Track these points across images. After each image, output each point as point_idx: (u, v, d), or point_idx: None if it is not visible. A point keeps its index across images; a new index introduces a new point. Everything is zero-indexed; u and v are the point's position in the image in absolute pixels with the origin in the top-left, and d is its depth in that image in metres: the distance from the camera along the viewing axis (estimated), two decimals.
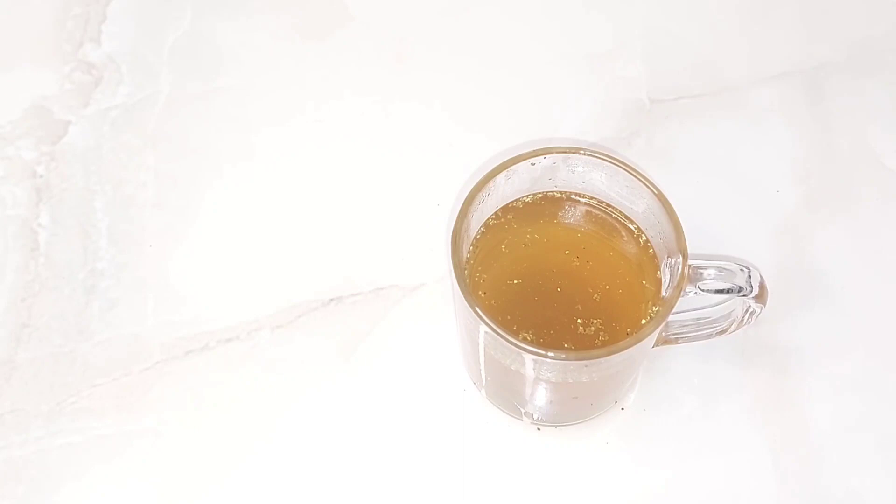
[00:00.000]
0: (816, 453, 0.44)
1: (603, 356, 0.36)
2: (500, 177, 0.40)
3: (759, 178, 0.51)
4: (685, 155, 0.52)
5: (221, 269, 0.49)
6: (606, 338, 0.39)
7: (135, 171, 0.52)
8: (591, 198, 0.43)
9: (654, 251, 0.41)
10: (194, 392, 0.45)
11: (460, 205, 0.39)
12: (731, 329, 0.42)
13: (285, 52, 0.57)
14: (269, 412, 0.45)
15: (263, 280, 0.48)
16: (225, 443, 0.44)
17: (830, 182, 0.51)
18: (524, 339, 0.36)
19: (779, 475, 0.43)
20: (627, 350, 0.36)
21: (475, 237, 0.41)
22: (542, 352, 0.36)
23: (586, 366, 0.37)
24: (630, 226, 0.42)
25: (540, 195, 0.43)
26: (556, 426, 0.44)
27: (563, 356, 0.36)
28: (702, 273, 0.38)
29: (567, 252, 0.42)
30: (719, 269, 0.38)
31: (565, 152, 0.41)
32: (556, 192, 0.43)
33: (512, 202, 0.42)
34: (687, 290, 0.38)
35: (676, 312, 0.41)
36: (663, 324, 0.37)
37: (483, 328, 0.37)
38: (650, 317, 0.39)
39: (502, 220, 0.42)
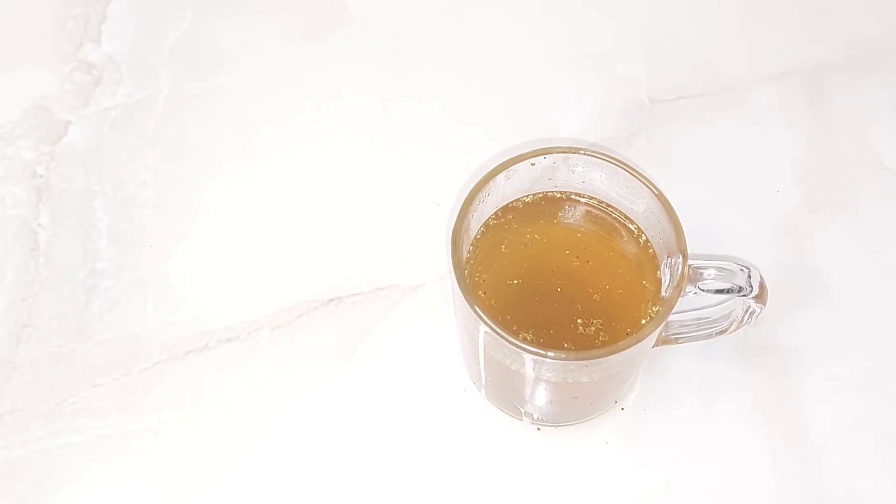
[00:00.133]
0: (816, 453, 0.44)
1: (603, 356, 0.36)
2: (500, 177, 0.40)
3: (759, 178, 0.51)
4: (685, 155, 0.52)
5: (221, 269, 0.49)
6: (606, 338, 0.39)
7: (135, 171, 0.52)
8: (591, 198, 0.43)
9: (654, 251, 0.41)
10: (194, 392, 0.45)
11: (460, 205, 0.39)
12: (731, 329, 0.42)
13: (285, 51, 0.57)
14: (269, 412, 0.45)
15: (263, 280, 0.48)
16: (225, 443, 0.44)
17: (830, 182, 0.51)
18: (524, 339, 0.36)
19: (779, 475, 0.43)
20: (627, 350, 0.36)
21: (475, 237, 0.41)
22: (542, 352, 0.36)
23: (586, 366, 0.37)
24: (630, 226, 0.42)
25: (540, 195, 0.43)
26: (556, 426, 0.44)
27: (563, 356, 0.36)
28: (702, 273, 0.38)
29: (567, 252, 0.42)
30: (719, 269, 0.38)
31: (565, 152, 0.41)
32: (556, 192, 0.43)
33: (512, 202, 0.42)
34: (687, 290, 0.38)
35: (676, 312, 0.41)
36: (663, 324, 0.37)
37: (483, 328, 0.37)
38: (650, 317, 0.39)
39: (502, 220, 0.42)
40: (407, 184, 0.52)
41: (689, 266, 0.38)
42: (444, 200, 0.50)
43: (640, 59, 0.56)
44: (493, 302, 0.40)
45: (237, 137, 0.53)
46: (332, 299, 0.48)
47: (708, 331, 0.43)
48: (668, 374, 0.45)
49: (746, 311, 0.41)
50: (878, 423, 0.44)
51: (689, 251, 0.38)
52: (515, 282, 0.41)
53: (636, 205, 0.41)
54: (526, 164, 0.40)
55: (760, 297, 0.39)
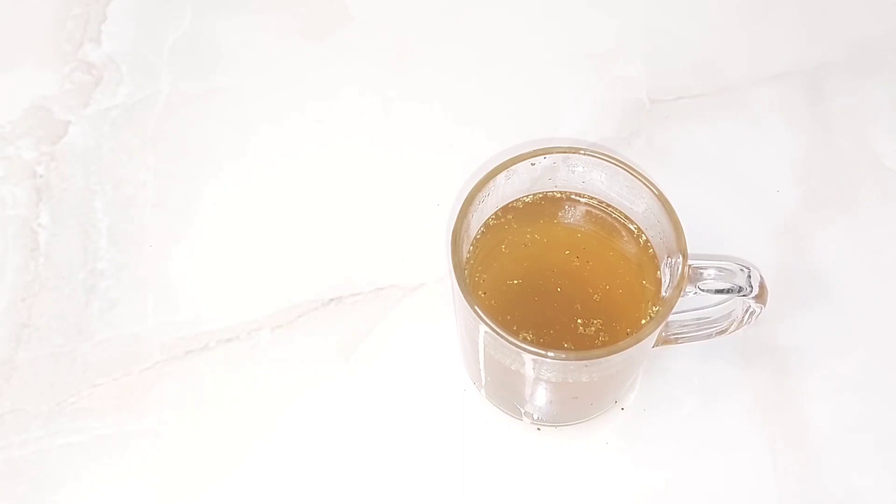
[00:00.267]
0: (816, 453, 0.44)
1: (603, 356, 0.36)
2: (500, 177, 0.40)
3: (759, 178, 0.51)
4: (685, 155, 0.52)
5: (221, 269, 0.49)
6: (606, 338, 0.39)
7: (135, 171, 0.52)
8: (591, 198, 0.43)
9: (654, 251, 0.41)
10: (194, 392, 0.45)
11: (460, 205, 0.39)
12: (731, 329, 0.42)
13: (285, 51, 0.57)
14: (269, 412, 0.45)
15: (263, 280, 0.48)
16: (225, 443, 0.44)
17: (830, 182, 0.51)
18: (524, 339, 0.36)
19: (779, 475, 0.43)
20: (627, 350, 0.36)
21: (475, 237, 0.41)
22: (542, 352, 0.36)
23: (586, 366, 0.37)
24: (630, 226, 0.42)
25: (540, 195, 0.43)
26: (556, 426, 0.44)
27: (563, 356, 0.36)
28: (702, 273, 0.38)
29: (567, 252, 0.42)
30: (719, 269, 0.38)
31: (565, 152, 0.41)
32: (556, 192, 0.43)
33: (512, 202, 0.42)
34: (687, 290, 0.38)
35: (676, 312, 0.41)
36: (663, 324, 0.37)
37: (483, 328, 0.37)
38: (650, 317, 0.39)
39: (502, 220, 0.42)
40: (407, 184, 0.52)
41: (689, 266, 0.38)
42: (444, 200, 0.50)
43: (640, 59, 0.56)
44: (493, 302, 0.40)
45: (237, 137, 0.53)
46: (332, 299, 0.48)
47: (708, 331, 0.43)
48: (668, 374, 0.45)
49: (746, 311, 0.41)
50: (878, 423, 0.44)
51: (689, 251, 0.38)
52: (515, 282, 0.41)
53: (636, 205, 0.41)
54: (526, 164, 0.40)
55: (760, 297, 0.39)
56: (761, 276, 0.39)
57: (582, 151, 0.41)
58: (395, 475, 0.43)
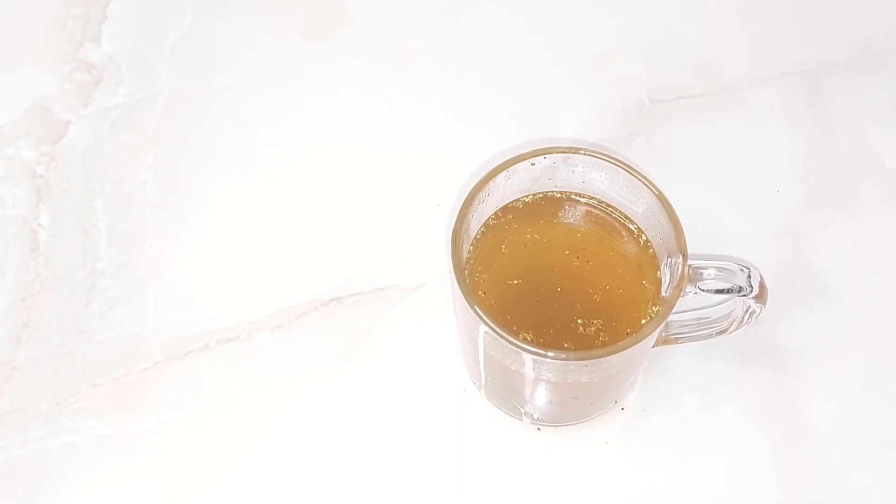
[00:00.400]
0: (816, 453, 0.44)
1: (603, 356, 0.36)
2: (500, 177, 0.40)
3: (759, 178, 0.51)
4: (685, 155, 0.52)
5: (221, 269, 0.49)
6: (606, 338, 0.39)
7: (135, 171, 0.52)
8: (591, 198, 0.43)
9: (654, 251, 0.41)
10: (194, 392, 0.45)
11: (460, 205, 0.39)
12: (731, 329, 0.42)
13: (285, 51, 0.57)
14: (269, 412, 0.45)
15: (263, 280, 0.48)
16: (225, 443, 0.44)
17: (830, 182, 0.51)
18: (524, 339, 0.36)
19: (779, 475, 0.43)
20: (627, 350, 0.36)
21: (475, 237, 0.41)
22: (542, 352, 0.36)
23: (586, 366, 0.37)
24: (630, 226, 0.42)
25: (540, 195, 0.43)
26: (556, 426, 0.44)
27: (563, 356, 0.36)
28: (702, 273, 0.38)
29: (567, 252, 0.42)
30: (719, 269, 0.38)
31: (565, 152, 0.41)
32: (556, 192, 0.43)
33: (512, 202, 0.42)
34: (687, 290, 0.38)
35: (676, 312, 0.41)
36: (663, 324, 0.37)
37: (483, 328, 0.37)
38: (650, 317, 0.39)
39: (502, 220, 0.42)
40: (407, 184, 0.52)
41: (689, 266, 0.38)
42: (444, 200, 0.50)
43: (640, 59, 0.56)
44: (493, 302, 0.40)
45: (237, 137, 0.53)
46: (332, 299, 0.48)
47: (708, 331, 0.43)
48: (668, 374, 0.45)
49: (746, 311, 0.41)
50: (878, 423, 0.44)
51: (689, 251, 0.38)
52: (515, 282, 0.41)
53: (636, 205, 0.41)
54: (526, 164, 0.40)
55: (760, 297, 0.39)
56: (761, 276, 0.39)
57: (582, 151, 0.41)
58: (396, 475, 0.43)
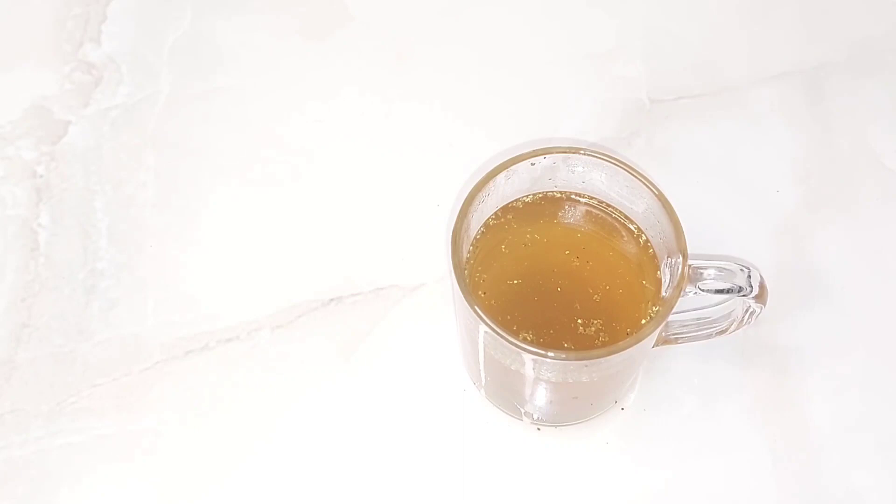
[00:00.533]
0: (816, 453, 0.44)
1: (603, 356, 0.36)
2: (500, 177, 0.40)
3: (759, 178, 0.51)
4: (685, 155, 0.52)
5: (221, 269, 0.49)
6: (606, 338, 0.39)
7: (135, 171, 0.52)
8: (591, 198, 0.43)
9: (654, 251, 0.41)
10: (194, 392, 0.45)
11: (460, 205, 0.39)
12: (731, 329, 0.42)
13: (285, 51, 0.57)
14: (269, 412, 0.45)
15: (263, 280, 0.48)
16: (225, 443, 0.44)
17: (830, 182, 0.51)
18: (524, 339, 0.36)
19: (779, 475, 0.43)
20: (627, 350, 0.36)
21: (475, 237, 0.41)
22: (542, 352, 0.36)
23: (586, 366, 0.37)
24: (630, 226, 0.42)
25: (540, 195, 0.43)
26: (556, 426, 0.44)
27: (563, 356, 0.36)
28: (702, 273, 0.38)
29: (567, 252, 0.42)
30: (719, 269, 0.38)
31: (565, 152, 0.41)
32: (556, 192, 0.43)
33: (512, 202, 0.42)
34: (687, 290, 0.38)
35: (676, 312, 0.41)
36: (663, 324, 0.37)
37: (483, 328, 0.37)
38: (650, 317, 0.39)
39: (502, 220, 0.42)
40: (407, 184, 0.52)
41: (689, 266, 0.38)
42: (444, 200, 0.50)
43: (640, 59, 0.56)
44: (493, 302, 0.40)
45: (237, 137, 0.53)
46: (332, 299, 0.48)
47: (708, 331, 0.43)
48: (668, 374, 0.45)
49: (746, 311, 0.41)
50: (878, 423, 0.44)
51: (689, 251, 0.38)
52: (515, 282, 0.41)
53: (636, 205, 0.41)
54: (526, 164, 0.40)
55: (760, 297, 0.39)
56: (761, 276, 0.39)
57: (582, 151, 0.41)
58: (396, 475, 0.43)
